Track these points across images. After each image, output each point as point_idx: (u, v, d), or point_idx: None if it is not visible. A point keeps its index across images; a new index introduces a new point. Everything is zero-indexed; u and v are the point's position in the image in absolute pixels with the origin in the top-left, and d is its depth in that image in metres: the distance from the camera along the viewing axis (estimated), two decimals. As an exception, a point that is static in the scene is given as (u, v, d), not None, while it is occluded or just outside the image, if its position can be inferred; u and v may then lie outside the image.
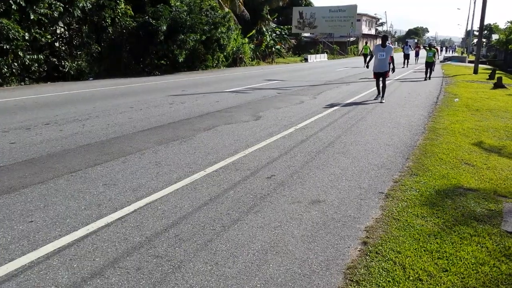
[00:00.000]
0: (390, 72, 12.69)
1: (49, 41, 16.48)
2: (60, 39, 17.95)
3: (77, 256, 3.23)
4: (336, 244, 3.52)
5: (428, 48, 22.04)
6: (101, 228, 3.70)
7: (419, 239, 3.57)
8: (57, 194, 4.48)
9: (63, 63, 17.43)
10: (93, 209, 4.10)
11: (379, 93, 12.34)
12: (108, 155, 6.06)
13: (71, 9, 17.02)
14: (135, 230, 3.68)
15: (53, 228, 3.69)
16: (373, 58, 12.33)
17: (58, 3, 16.24)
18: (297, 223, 3.90)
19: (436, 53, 26.25)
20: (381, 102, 11.64)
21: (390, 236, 3.62)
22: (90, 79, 18.49)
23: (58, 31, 17.76)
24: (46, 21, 16.17)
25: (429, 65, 20.54)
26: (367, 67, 13.70)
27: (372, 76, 12.64)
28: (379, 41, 70.33)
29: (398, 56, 33.83)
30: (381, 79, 12.04)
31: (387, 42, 11.96)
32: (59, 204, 4.22)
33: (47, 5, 15.80)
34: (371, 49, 18.53)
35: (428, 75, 20.45)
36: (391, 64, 20.71)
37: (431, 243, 3.50)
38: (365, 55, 29.85)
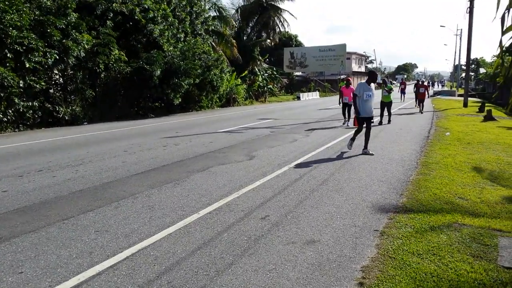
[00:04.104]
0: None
1: (43, 87, 16.66)
2: (55, 86, 18.17)
3: (67, 307, 3.15)
4: (332, 286, 3.46)
5: (382, 84, 17.45)
6: (92, 277, 3.63)
7: (416, 278, 3.52)
8: (49, 243, 4.41)
9: (57, 109, 17.56)
10: (84, 258, 4.03)
11: (352, 140, 9.82)
12: (101, 200, 6.02)
13: (65, 58, 17.34)
14: (127, 278, 3.61)
15: (44, 279, 3.61)
16: (356, 99, 9.45)
17: (53, 51, 16.56)
18: (292, 265, 3.84)
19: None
20: (371, 154, 9.39)
21: (386, 276, 3.57)
22: (85, 123, 18.60)
23: (52, 78, 18.01)
24: (41, 68, 16.43)
25: (385, 106, 16.52)
26: (340, 104, 13.72)
27: (354, 123, 10.20)
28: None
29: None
30: (365, 124, 9.59)
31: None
32: (50, 253, 4.15)
33: (42, 53, 16.09)
34: (351, 87, 15.49)
35: (381, 119, 16.37)
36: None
37: (427, 282, 3.46)
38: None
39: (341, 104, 16.62)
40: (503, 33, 4.52)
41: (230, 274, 3.68)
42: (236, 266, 3.83)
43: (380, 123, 16.12)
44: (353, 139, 9.82)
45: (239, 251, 4.17)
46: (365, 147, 9.65)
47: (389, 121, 16.54)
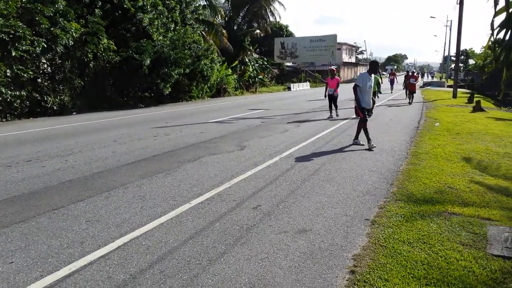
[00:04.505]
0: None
1: (31, 77, 16.42)
2: (42, 75, 17.92)
3: (58, 297, 3.13)
4: (324, 274, 3.48)
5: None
6: (84, 267, 3.61)
7: (407, 266, 3.56)
8: (39, 233, 4.37)
9: (45, 99, 17.36)
10: (75, 247, 4.01)
11: (367, 135, 9.19)
12: (91, 190, 5.97)
13: (53, 47, 17.09)
14: (119, 267, 3.60)
15: (35, 269, 3.58)
16: (357, 90, 9.04)
17: (41, 40, 16.30)
18: (284, 254, 3.86)
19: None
20: (361, 145, 9.31)
21: (377, 264, 3.61)
22: (73, 113, 18.41)
23: (40, 67, 17.74)
24: (29, 57, 16.17)
25: None
26: (325, 96, 13.46)
27: (357, 114, 9.45)
28: (361, 70, 71.19)
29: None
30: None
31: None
32: (41, 243, 4.12)
33: (29, 42, 15.83)
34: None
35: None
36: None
37: (418, 270, 3.50)
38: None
39: (326, 97, 15.52)
40: (496, 14, 4.49)
41: (222, 263, 3.69)
42: (229, 255, 3.83)
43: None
44: (366, 135, 9.20)
45: (231, 240, 4.17)
46: (356, 137, 9.60)
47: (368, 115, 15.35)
